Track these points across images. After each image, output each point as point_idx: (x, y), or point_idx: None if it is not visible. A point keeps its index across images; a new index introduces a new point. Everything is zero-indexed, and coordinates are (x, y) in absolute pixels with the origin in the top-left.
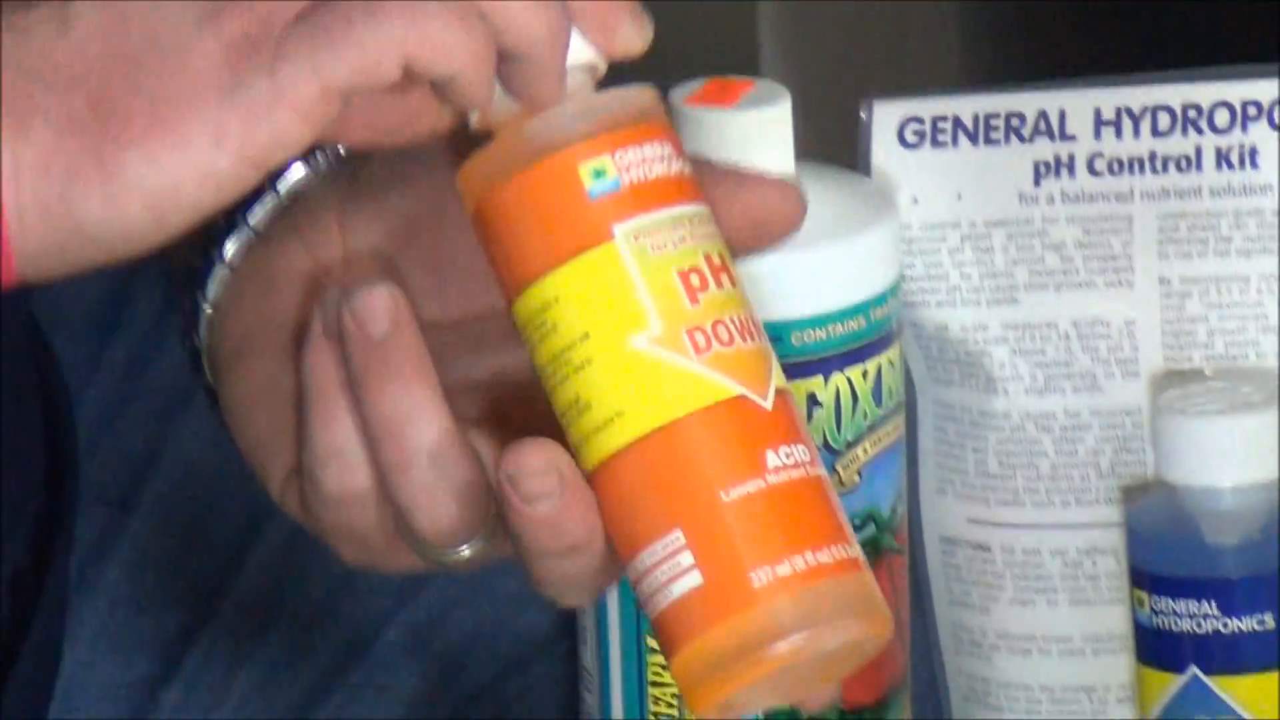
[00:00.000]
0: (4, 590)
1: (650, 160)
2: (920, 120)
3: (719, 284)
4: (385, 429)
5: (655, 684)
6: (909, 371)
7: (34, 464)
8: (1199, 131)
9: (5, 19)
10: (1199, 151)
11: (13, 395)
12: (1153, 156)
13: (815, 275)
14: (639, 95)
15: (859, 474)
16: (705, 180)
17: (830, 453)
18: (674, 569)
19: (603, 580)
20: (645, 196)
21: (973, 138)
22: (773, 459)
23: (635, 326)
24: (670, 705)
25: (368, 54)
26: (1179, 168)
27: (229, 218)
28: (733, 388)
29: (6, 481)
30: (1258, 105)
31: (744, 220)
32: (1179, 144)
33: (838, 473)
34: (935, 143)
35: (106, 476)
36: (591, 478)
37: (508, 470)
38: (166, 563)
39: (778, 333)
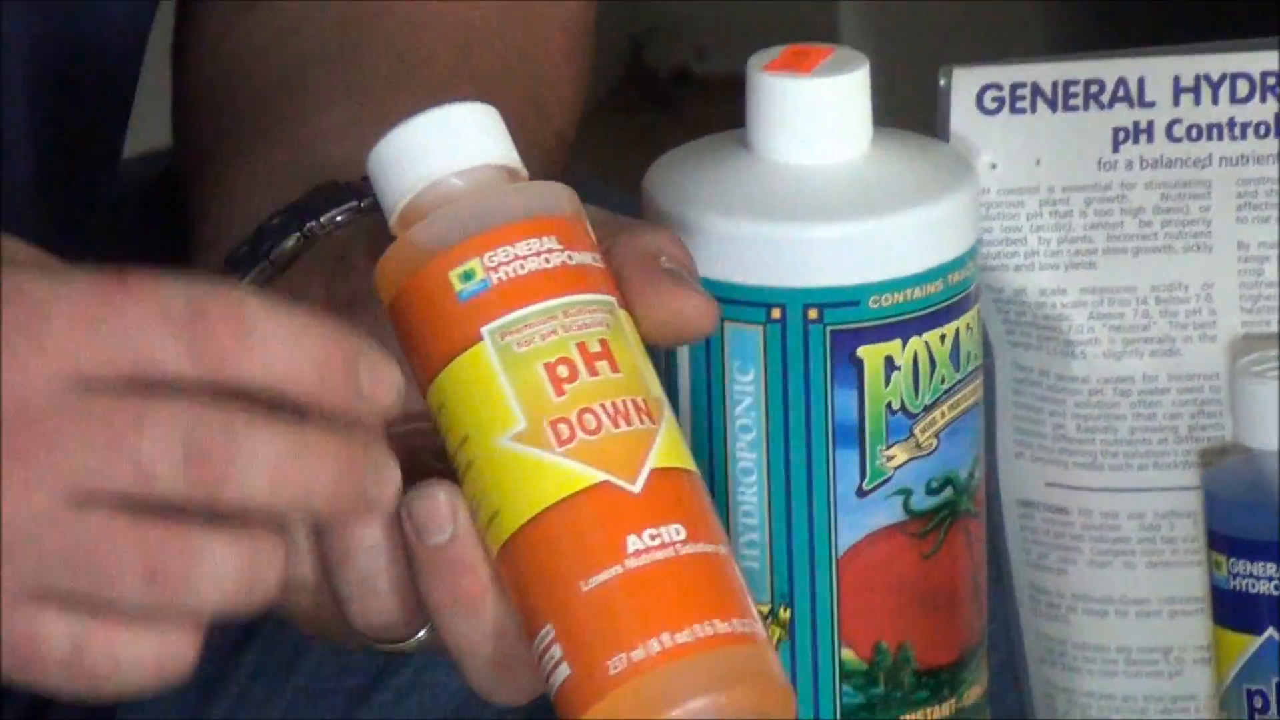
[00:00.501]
0: None
1: (524, 258)
2: (999, 87)
3: (593, 372)
4: (357, 578)
5: None
6: (987, 335)
7: None
8: (1277, 98)
9: None
10: (1277, 118)
11: None
12: (1231, 123)
13: (893, 240)
14: (538, 195)
15: (936, 438)
16: (628, 281)
17: (908, 417)
18: (550, 661)
19: (514, 670)
20: (514, 294)
21: (1051, 104)
22: (634, 543)
23: (502, 426)
24: None
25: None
26: (1257, 134)
27: (252, 250)
28: (594, 475)
29: None
30: None
31: (657, 325)
32: (1257, 110)
33: (914, 436)
34: (1014, 109)
35: None
36: (495, 570)
37: (406, 502)
38: None
39: (856, 296)
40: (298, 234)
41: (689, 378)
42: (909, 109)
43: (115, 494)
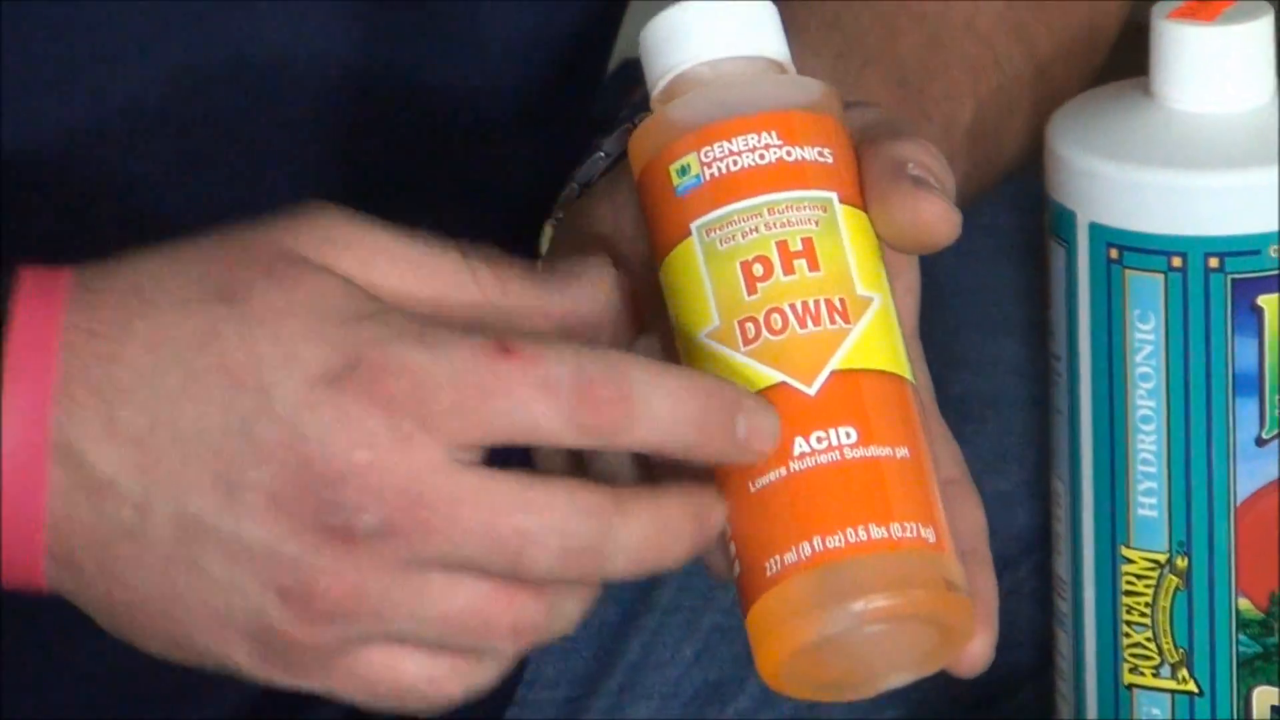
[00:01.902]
0: None
1: (739, 154)
2: None
3: (789, 270)
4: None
5: (1128, 593)
6: None
7: None
8: None
9: (70, 489)
10: None
11: None
12: None
13: None
14: (780, 89)
15: None
16: (872, 184)
17: None
18: (729, 555)
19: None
20: (725, 190)
21: None
22: (800, 445)
23: (702, 322)
24: (1143, 615)
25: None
26: None
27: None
28: (772, 376)
29: None
30: None
31: (895, 230)
32: None
33: None
34: None
35: None
36: None
37: None
38: None
39: (1257, 245)
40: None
41: (1088, 325)
42: None
43: (487, 570)
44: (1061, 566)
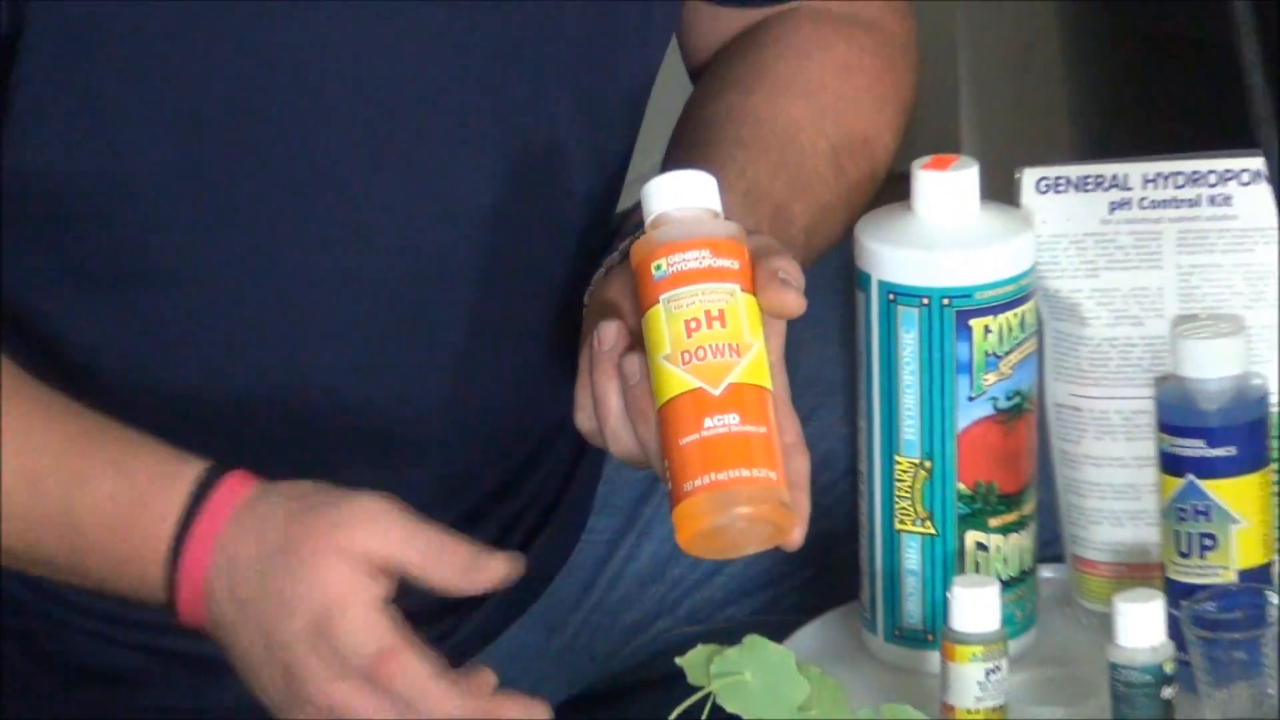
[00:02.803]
0: (574, 435)
1: (688, 260)
2: (1048, 178)
3: (709, 326)
4: (599, 398)
5: (898, 480)
6: (1040, 313)
7: None
8: (1199, 185)
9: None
10: (1199, 197)
11: None
12: (1174, 199)
13: (989, 260)
14: (714, 226)
15: (1012, 369)
16: (759, 282)
17: (996, 358)
18: (665, 480)
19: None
20: (679, 279)
21: (1075, 188)
22: (708, 422)
23: (661, 349)
24: (906, 492)
25: None
26: (1189, 205)
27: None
28: (695, 382)
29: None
30: (1232, 172)
31: (770, 306)
32: (1188, 192)
33: (1000, 368)
34: (1056, 191)
35: None
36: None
37: (621, 363)
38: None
39: (969, 292)
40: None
41: (878, 337)
42: (1001, 190)
43: None
44: (863, 468)
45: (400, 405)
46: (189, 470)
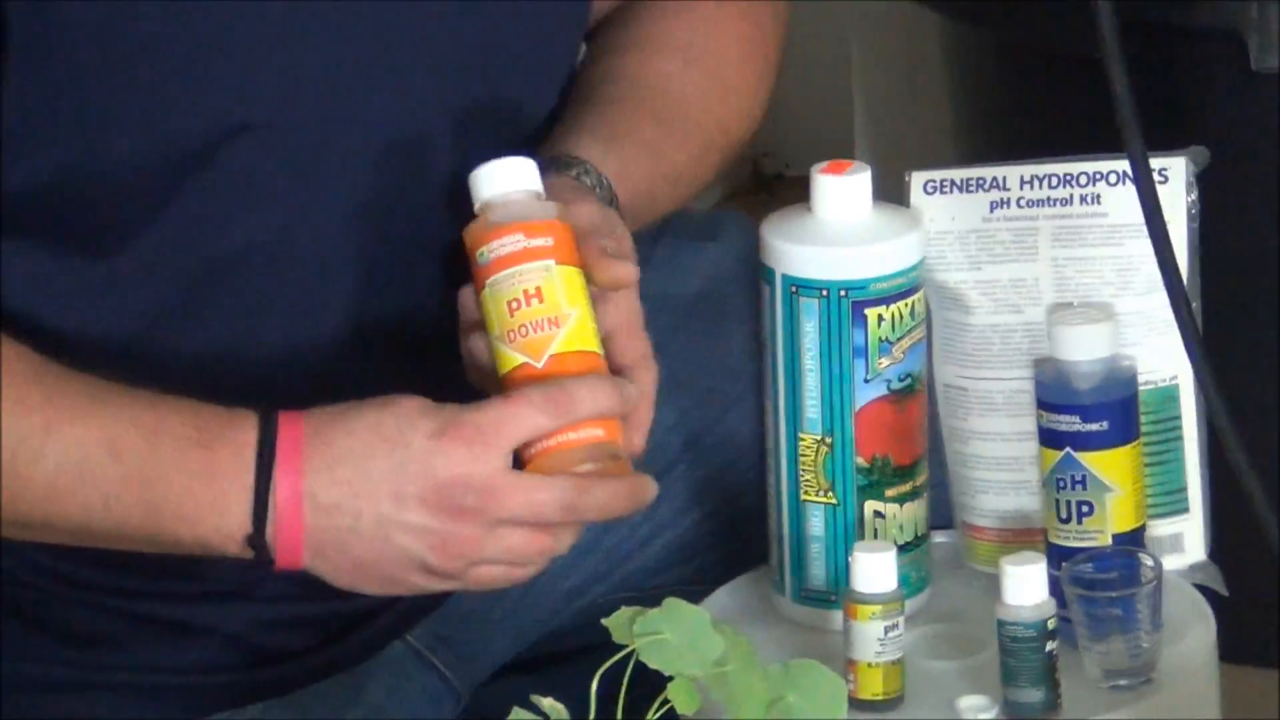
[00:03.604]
0: None
1: (505, 245)
2: (934, 180)
3: (528, 304)
4: (469, 366)
5: (802, 455)
6: (928, 303)
7: None
8: (1071, 186)
9: (316, 504)
10: (1071, 196)
11: None
12: (1049, 199)
13: (883, 255)
14: (529, 209)
15: (904, 353)
16: (587, 256)
17: (890, 344)
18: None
19: None
20: (497, 265)
21: (959, 189)
22: None
23: (493, 329)
24: (809, 465)
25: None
26: (1062, 204)
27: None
28: (521, 358)
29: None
30: (1101, 173)
31: (600, 279)
32: (1062, 192)
33: (893, 353)
34: (941, 192)
35: None
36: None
37: (468, 344)
38: None
39: (864, 284)
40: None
41: (781, 325)
42: (892, 191)
43: (525, 524)
44: (771, 445)
45: (345, 370)
46: (249, 411)
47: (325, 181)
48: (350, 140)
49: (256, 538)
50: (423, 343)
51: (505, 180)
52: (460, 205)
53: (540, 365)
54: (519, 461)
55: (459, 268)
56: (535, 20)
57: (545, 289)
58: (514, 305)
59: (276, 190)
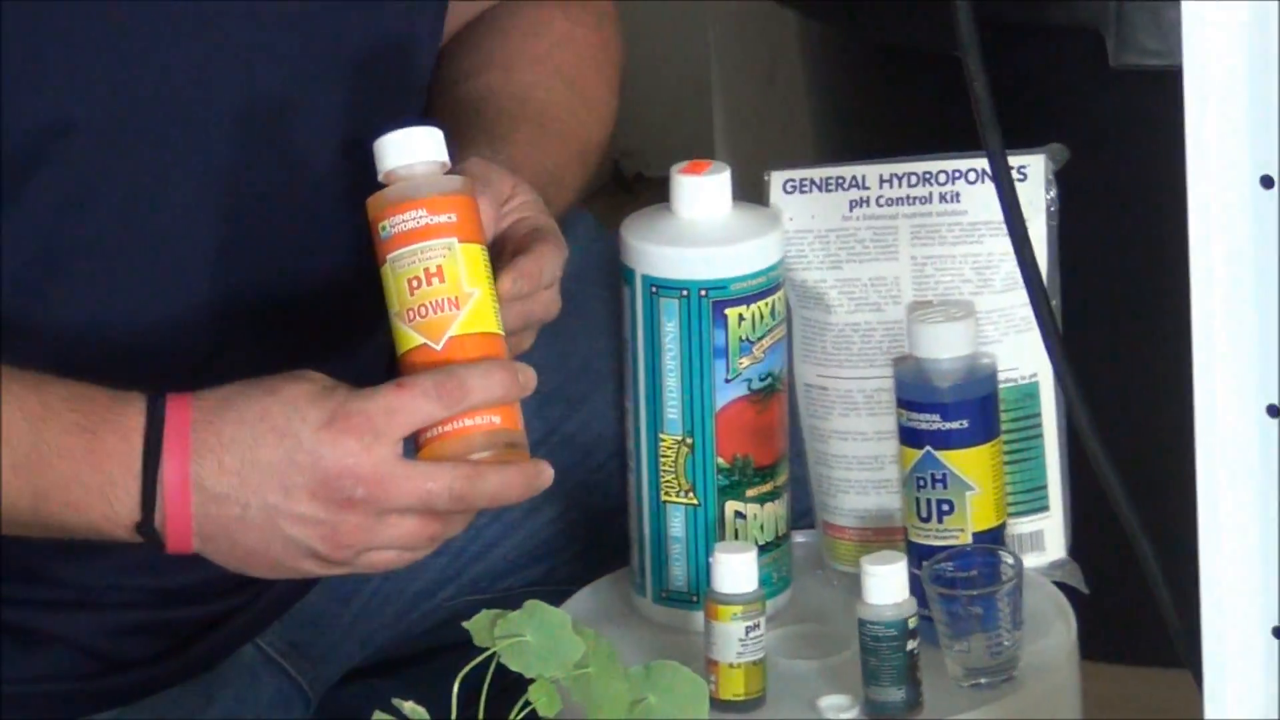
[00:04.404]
0: None
1: (407, 220)
2: (794, 179)
3: (429, 283)
4: None
5: (663, 456)
6: (789, 302)
7: None
8: (930, 184)
9: (203, 491)
10: (931, 194)
11: None
12: (908, 197)
13: (742, 255)
14: (433, 183)
15: (764, 352)
16: (502, 246)
17: (750, 343)
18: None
19: None
20: (400, 241)
21: (819, 188)
22: None
23: (392, 306)
24: (670, 466)
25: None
26: (921, 202)
27: None
28: (419, 339)
29: None
30: (960, 171)
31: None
32: (921, 190)
33: (754, 352)
34: (801, 191)
35: None
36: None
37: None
38: None
39: (724, 284)
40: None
41: (642, 326)
42: (752, 190)
43: (416, 511)
44: (631, 446)
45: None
46: (136, 395)
47: (173, 169)
48: (196, 127)
49: (145, 525)
50: (287, 313)
51: (410, 150)
52: (318, 182)
53: (439, 348)
54: (415, 445)
55: (322, 236)
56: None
57: (446, 268)
58: (414, 284)
59: (119, 183)
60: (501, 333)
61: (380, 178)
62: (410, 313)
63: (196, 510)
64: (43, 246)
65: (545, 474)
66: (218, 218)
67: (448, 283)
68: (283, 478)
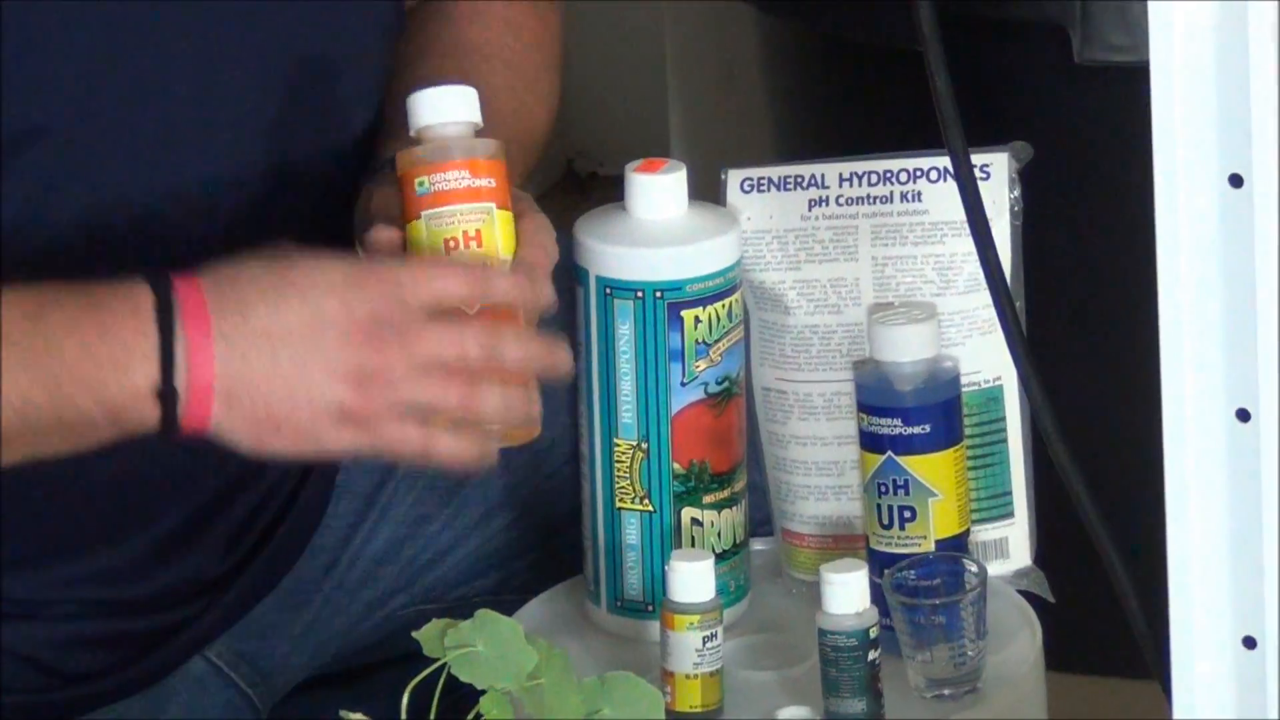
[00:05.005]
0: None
1: (449, 180)
2: (751, 178)
3: (466, 247)
4: None
5: (617, 462)
6: (746, 303)
7: None
8: (891, 183)
9: (227, 343)
10: (892, 194)
11: None
12: (869, 196)
13: (698, 256)
14: (473, 145)
15: (721, 356)
16: (517, 207)
17: (706, 346)
18: None
19: None
20: (439, 199)
21: (777, 187)
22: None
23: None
24: (624, 473)
25: (415, 459)
26: (882, 201)
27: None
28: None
29: None
30: (921, 170)
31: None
32: (882, 189)
33: (710, 355)
34: (759, 190)
35: None
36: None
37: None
38: None
39: (680, 285)
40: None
41: (595, 328)
42: (708, 189)
43: (446, 365)
44: (585, 451)
45: None
46: (134, 277)
47: (133, 181)
48: (157, 140)
49: (166, 387)
50: None
51: (449, 108)
52: (282, 197)
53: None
54: None
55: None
56: (345, 20)
57: (485, 233)
58: (451, 244)
59: (78, 192)
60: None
61: (412, 133)
62: None
63: (221, 364)
64: (8, 253)
65: (563, 356)
66: (187, 222)
67: (485, 248)
68: (313, 328)
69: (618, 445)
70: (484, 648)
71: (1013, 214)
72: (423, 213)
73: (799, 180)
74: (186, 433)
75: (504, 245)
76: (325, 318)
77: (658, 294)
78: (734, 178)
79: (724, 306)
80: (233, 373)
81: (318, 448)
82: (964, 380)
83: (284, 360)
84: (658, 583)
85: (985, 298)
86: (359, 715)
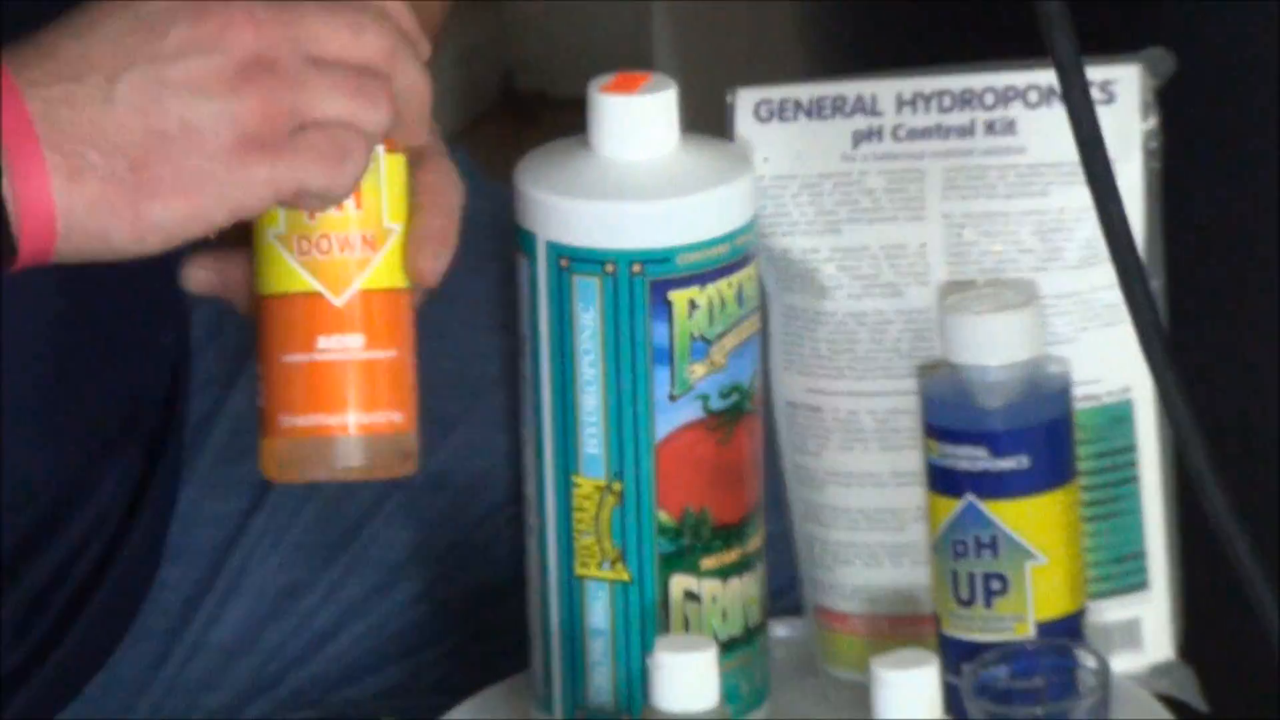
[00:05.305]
0: (138, 455)
1: None
2: (770, 102)
3: (340, 209)
4: None
5: (578, 509)
6: (763, 283)
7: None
8: (972, 108)
9: (41, 89)
10: (972, 123)
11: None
12: (939, 127)
13: (693, 213)
14: None
15: (727, 357)
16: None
17: (705, 342)
18: (258, 395)
19: None
20: None
21: (809, 114)
22: (323, 342)
23: (272, 225)
24: (589, 525)
25: (329, 191)
26: (958, 135)
27: None
28: (312, 284)
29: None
30: (1015, 89)
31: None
32: (957, 117)
33: (711, 356)
34: (781, 118)
35: (215, 368)
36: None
37: None
38: (255, 427)
39: (667, 255)
40: None
41: (547, 314)
42: (707, 117)
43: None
44: (531, 493)
45: None
46: None
47: None
48: None
49: None
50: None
51: None
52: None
53: (340, 302)
54: (262, 424)
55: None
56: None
57: (366, 186)
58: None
59: None
60: (410, 288)
61: None
62: (305, 242)
63: (38, 118)
64: None
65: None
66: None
67: (365, 210)
68: (146, 27)
69: (578, 485)
70: None
71: (1147, 154)
72: None
73: (839, 104)
74: (28, 238)
75: (392, 210)
76: (157, 10)
77: (635, 268)
78: (746, 100)
79: (731, 286)
80: (60, 125)
81: (220, 201)
82: (1078, 393)
83: (122, 84)
84: (636, 684)
85: (1106, 275)
86: None
